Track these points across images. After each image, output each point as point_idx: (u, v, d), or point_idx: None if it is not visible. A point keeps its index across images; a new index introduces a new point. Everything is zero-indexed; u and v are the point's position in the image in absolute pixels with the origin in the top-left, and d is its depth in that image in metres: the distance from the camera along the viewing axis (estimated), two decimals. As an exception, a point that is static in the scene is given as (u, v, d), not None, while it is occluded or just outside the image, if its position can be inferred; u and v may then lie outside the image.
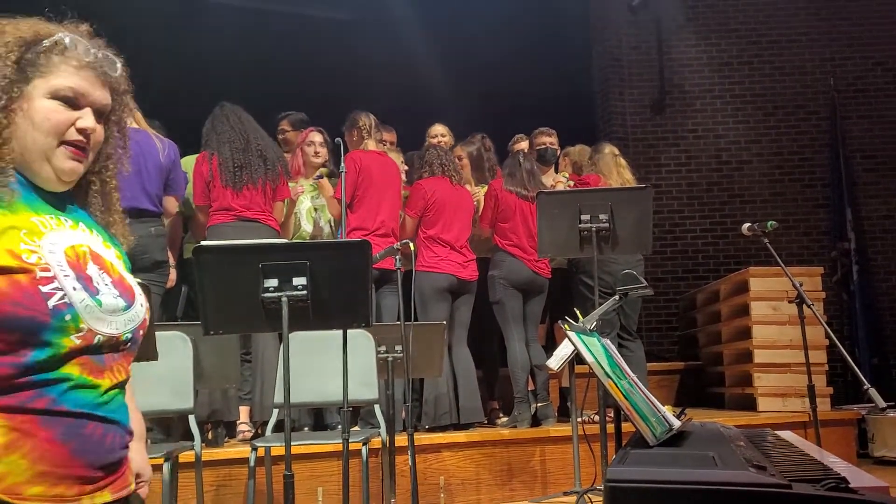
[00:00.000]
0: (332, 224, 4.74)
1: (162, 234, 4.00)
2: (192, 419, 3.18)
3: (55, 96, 1.21)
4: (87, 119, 1.24)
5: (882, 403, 3.12)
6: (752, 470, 1.34)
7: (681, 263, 7.51)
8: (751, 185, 7.54)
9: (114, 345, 1.22)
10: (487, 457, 4.17)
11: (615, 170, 4.90)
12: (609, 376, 1.75)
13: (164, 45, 5.66)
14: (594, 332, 1.95)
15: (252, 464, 3.17)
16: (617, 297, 3.38)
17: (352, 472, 2.86)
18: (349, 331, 2.71)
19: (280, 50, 6.76)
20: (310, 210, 4.71)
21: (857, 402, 5.71)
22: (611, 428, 3.37)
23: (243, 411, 4.16)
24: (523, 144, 5.32)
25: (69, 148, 1.23)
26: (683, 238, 7.55)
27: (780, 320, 5.05)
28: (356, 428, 4.08)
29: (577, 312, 3.33)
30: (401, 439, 3.37)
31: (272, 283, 2.34)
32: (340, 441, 2.72)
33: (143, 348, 1.39)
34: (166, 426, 3.91)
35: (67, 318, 1.14)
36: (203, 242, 2.56)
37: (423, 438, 3.99)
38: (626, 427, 3.22)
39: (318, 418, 4.44)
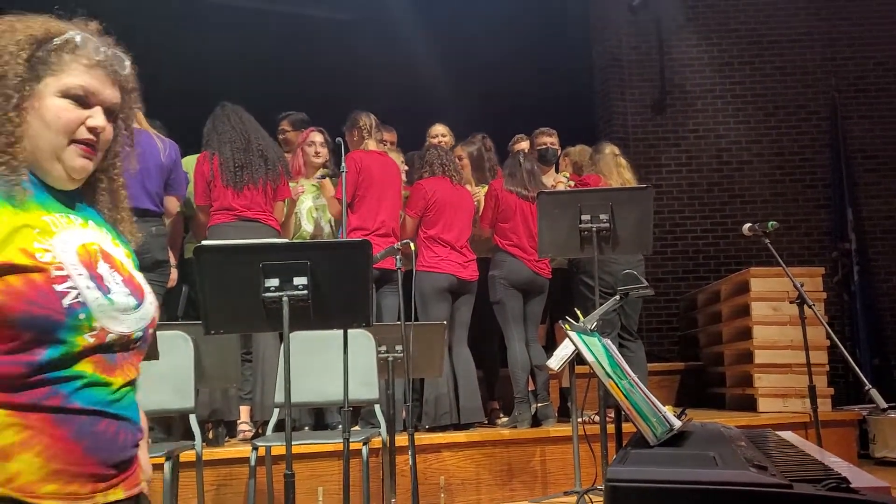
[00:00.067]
0: (333, 224, 4.75)
1: (163, 233, 4.00)
2: (192, 418, 3.19)
3: (66, 95, 1.22)
4: (97, 118, 1.24)
5: (883, 404, 3.12)
6: (753, 470, 1.34)
7: (681, 264, 7.51)
8: (751, 185, 7.53)
9: (125, 343, 1.22)
10: (488, 457, 4.17)
11: (616, 170, 4.89)
12: (610, 376, 1.75)
13: (165, 45, 5.66)
14: (595, 332, 1.95)
15: (253, 463, 3.17)
16: (617, 297, 3.38)
17: (352, 472, 2.86)
18: (350, 330, 2.71)
19: (280, 50, 6.76)
20: (310, 210, 4.72)
21: (858, 402, 5.71)
22: (611, 428, 3.37)
23: (244, 411, 4.16)
24: (524, 144, 5.32)
25: (80, 146, 1.23)
26: (684, 238, 7.54)
27: (780, 321, 5.05)
28: (356, 428, 4.08)
29: (578, 312, 3.33)
30: (401, 439, 3.37)
31: (273, 282, 2.34)
32: (341, 441, 2.72)
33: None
34: (167, 425, 3.91)
35: (81, 316, 1.15)
36: (204, 242, 2.56)
37: (423, 438, 3.99)
38: (627, 427, 3.23)
39: (319, 418, 4.45)
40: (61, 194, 1.26)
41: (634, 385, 1.74)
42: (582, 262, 4.76)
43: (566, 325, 2.34)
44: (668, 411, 1.71)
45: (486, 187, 4.93)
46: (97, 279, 1.19)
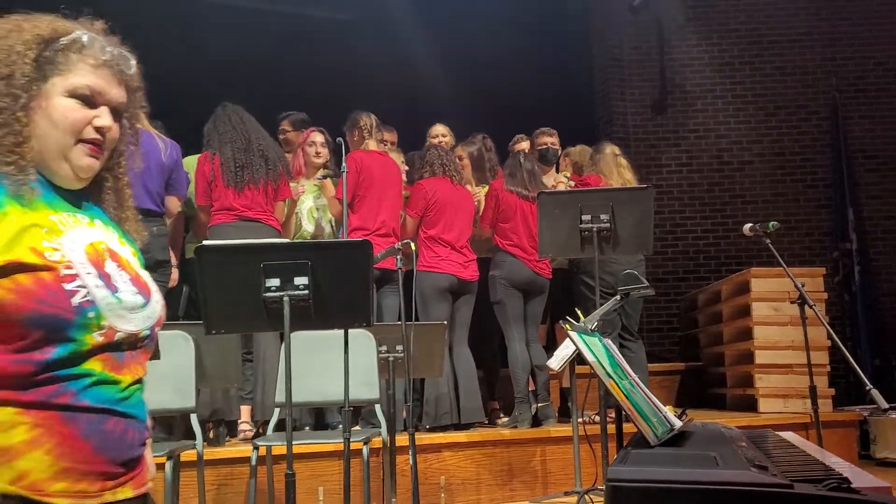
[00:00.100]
0: (334, 224, 4.75)
1: (164, 233, 4.01)
2: (193, 418, 3.19)
3: (73, 94, 1.22)
4: (104, 118, 1.24)
5: (884, 405, 3.12)
6: (754, 470, 1.34)
7: (682, 264, 7.51)
8: (752, 185, 7.53)
9: (133, 342, 1.23)
10: (488, 457, 4.17)
11: (616, 170, 4.89)
12: (610, 376, 1.75)
13: (165, 45, 5.65)
14: (595, 332, 1.95)
15: (253, 463, 3.17)
16: (618, 297, 3.38)
17: (353, 472, 2.86)
18: (350, 330, 2.71)
19: (280, 50, 6.76)
20: (311, 210, 4.72)
21: (859, 403, 5.70)
22: (611, 428, 3.37)
23: (244, 410, 4.16)
24: (524, 144, 5.32)
25: (87, 145, 1.24)
26: (685, 238, 7.54)
27: (781, 321, 5.05)
28: (357, 427, 4.08)
29: (579, 312, 3.33)
30: (401, 439, 3.37)
31: (274, 282, 2.35)
32: (341, 440, 2.73)
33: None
34: (168, 425, 3.92)
35: (91, 315, 1.15)
36: (205, 242, 2.56)
37: (423, 438, 3.99)
38: (627, 427, 3.23)
39: (319, 418, 4.45)
40: (68, 193, 1.26)
41: (635, 385, 1.74)
42: (582, 263, 4.76)
43: (567, 325, 2.34)
44: (668, 411, 1.71)
45: (487, 187, 4.93)
46: (105, 278, 1.20)
